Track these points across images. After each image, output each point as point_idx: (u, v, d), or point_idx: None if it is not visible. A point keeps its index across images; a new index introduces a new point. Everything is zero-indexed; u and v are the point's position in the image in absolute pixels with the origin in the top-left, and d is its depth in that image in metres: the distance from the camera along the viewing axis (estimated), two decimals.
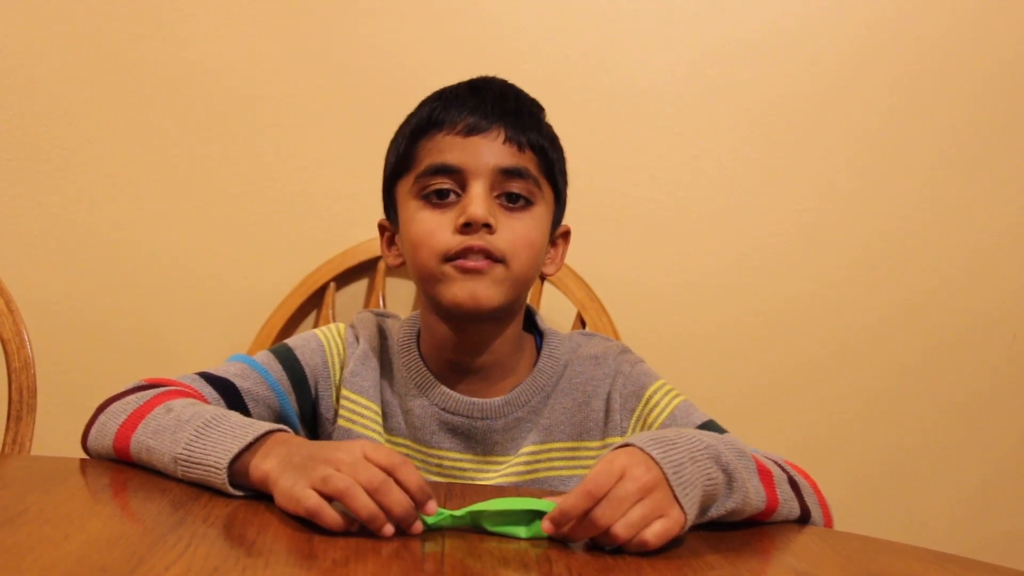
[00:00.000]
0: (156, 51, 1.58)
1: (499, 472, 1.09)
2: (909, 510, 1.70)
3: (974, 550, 1.68)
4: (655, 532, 0.77)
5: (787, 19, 1.63)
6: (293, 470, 0.81)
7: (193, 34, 1.58)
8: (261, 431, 0.87)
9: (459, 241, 1.02)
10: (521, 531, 0.80)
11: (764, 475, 0.90)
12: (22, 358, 1.27)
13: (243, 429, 0.87)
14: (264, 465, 0.84)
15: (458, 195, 1.04)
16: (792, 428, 1.68)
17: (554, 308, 1.57)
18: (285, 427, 0.89)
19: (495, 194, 1.04)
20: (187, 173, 1.59)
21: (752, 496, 0.87)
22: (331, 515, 0.77)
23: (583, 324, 1.53)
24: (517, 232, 1.04)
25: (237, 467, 0.85)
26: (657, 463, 0.80)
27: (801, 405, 1.68)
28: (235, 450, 0.85)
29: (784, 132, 1.65)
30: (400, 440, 1.11)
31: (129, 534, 0.71)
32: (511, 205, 1.04)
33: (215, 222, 1.60)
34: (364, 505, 0.76)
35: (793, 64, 1.64)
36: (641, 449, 0.81)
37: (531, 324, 1.16)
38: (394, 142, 1.12)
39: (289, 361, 1.12)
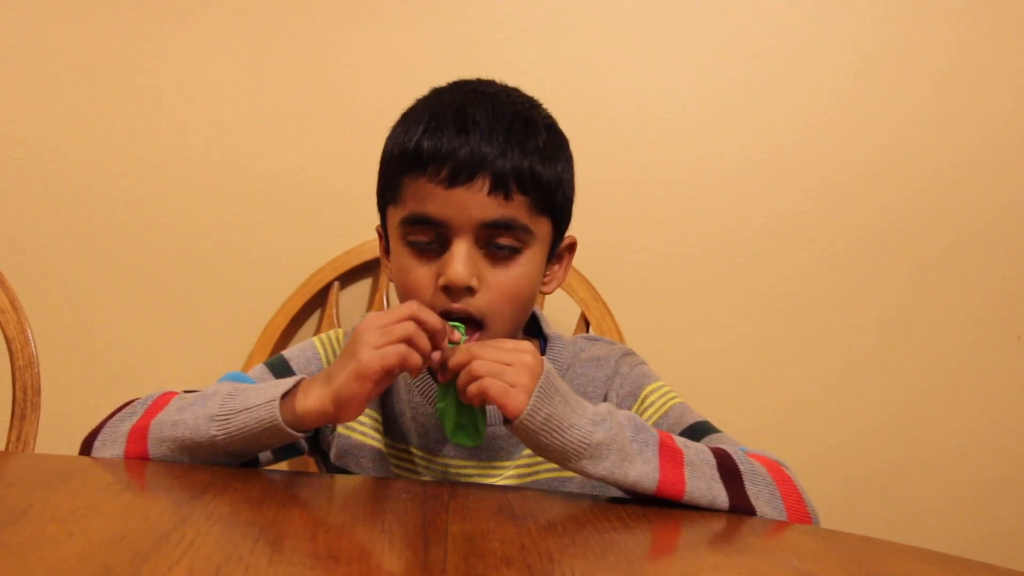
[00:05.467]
0: (161, 51, 1.58)
1: (501, 476, 1.09)
2: (912, 510, 1.70)
3: (977, 551, 1.68)
4: (493, 387, 0.89)
5: (791, 20, 1.63)
6: (340, 364, 0.91)
7: (197, 34, 1.58)
8: (296, 378, 0.94)
9: (440, 303, 1.00)
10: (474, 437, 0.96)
11: (668, 453, 0.92)
12: (26, 356, 1.27)
13: (276, 384, 0.94)
14: (310, 394, 0.92)
15: (442, 242, 1.01)
16: (795, 428, 1.67)
17: (558, 308, 1.57)
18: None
19: (481, 244, 1.01)
20: (191, 172, 1.60)
21: (632, 470, 0.90)
22: (416, 356, 0.90)
23: (587, 324, 1.53)
24: (502, 287, 1.01)
25: (283, 410, 0.91)
26: (546, 370, 0.90)
27: (804, 406, 1.68)
28: (284, 389, 0.92)
29: (790, 133, 1.65)
30: (403, 447, 1.11)
31: (133, 532, 0.71)
32: (498, 254, 1.01)
33: (218, 222, 1.60)
34: (427, 342, 0.91)
35: (798, 64, 1.64)
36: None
37: (536, 329, 1.16)
38: (383, 162, 1.08)
39: (283, 372, 1.10)
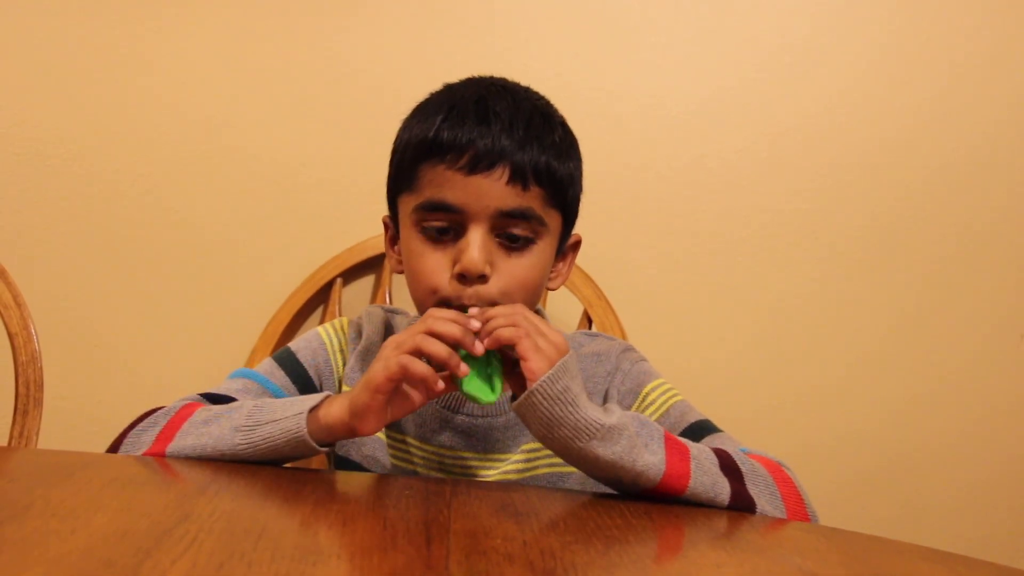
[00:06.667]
0: (164, 47, 1.58)
1: (499, 469, 1.09)
2: (915, 509, 1.70)
3: (980, 549, 1.68)
4: (526, 340, 0.89)
5: (794, 19, 1.63)
6: (361, 382, 0.91)
7: (200, 30, 1.58)
8: (323, 395, 0.95)
9: (453, 290, 1.01)
10: (487, 393, 0.93)
11: (673, 447, 0.92)
12: (29, 352, 1.27)
13: (304, 399, 0.95)
14: (333, 407, 0.92)
15: (458, 229, 1.02)
16: (797, 427, 1.67)
17: (561, 305, 1.57)
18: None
19: (496, 233, 1.02)
20: (194, 169, 1.60)
21: (640, 458, 0.89)
22: (421, 364, 0.89)
23: (589, 321, 1.53)
24: (514, 275, 1.02)
25: (309, 423, 0.92)
26: (570, 354, 0.91)
27: (807, 404, 1.68)
28: (312, 403, 0.92)
29: (793, 131, 1.64)
30: (400, 436, 1.12)
31: (135, 528, 0.71)
32: (512, 244, 1.02)
33: (221, 218, 1.60)
34: (441, 348, 0.90)
35: (802, 63, 1.64)
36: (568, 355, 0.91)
37: None
38: (397, 151, 1.09)
39: (291, 365, 1.12)
